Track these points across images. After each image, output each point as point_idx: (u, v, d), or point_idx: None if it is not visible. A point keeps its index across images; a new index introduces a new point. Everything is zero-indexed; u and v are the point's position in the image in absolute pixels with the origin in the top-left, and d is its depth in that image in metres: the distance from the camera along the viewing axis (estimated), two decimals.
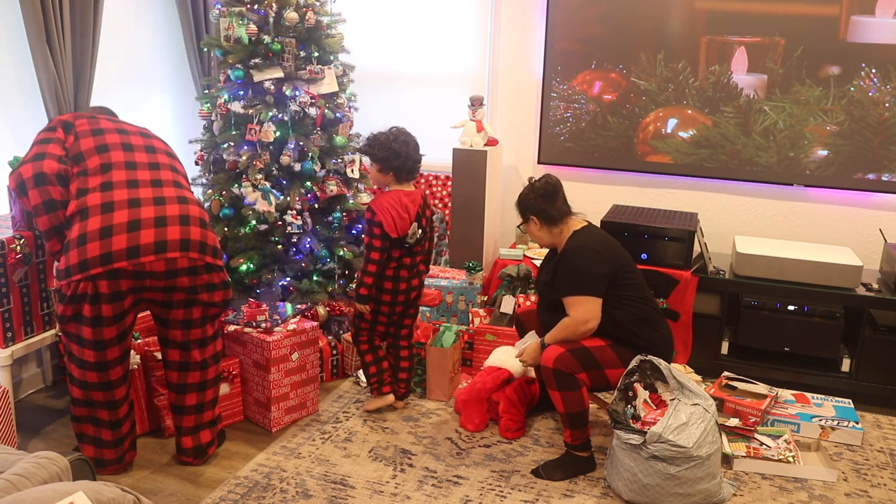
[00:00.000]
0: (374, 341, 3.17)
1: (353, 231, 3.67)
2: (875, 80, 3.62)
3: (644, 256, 3.64)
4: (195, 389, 2.73)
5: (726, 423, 2.98)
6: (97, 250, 2.39)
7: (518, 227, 2.98)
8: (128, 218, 2.43)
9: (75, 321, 2.48)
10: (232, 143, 3.40)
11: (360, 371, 3.46)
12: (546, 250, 4.03)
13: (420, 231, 3.00)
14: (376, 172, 2.96)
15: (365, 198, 3.69)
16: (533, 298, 3.68)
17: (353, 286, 3.11)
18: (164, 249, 2.45)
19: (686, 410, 2.54)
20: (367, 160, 3.06)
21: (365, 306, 3.03)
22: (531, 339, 2.87)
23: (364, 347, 3.16)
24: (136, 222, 2.43)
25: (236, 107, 3.38)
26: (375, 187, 3.20)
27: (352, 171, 3.58)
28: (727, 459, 2.85)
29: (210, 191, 3.53)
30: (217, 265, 2.62)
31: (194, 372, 2.71)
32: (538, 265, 3.28)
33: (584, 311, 2.69)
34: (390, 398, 3.20)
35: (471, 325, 3.68)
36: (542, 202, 2.82)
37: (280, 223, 3.43)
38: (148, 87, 4.02)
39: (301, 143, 3.40)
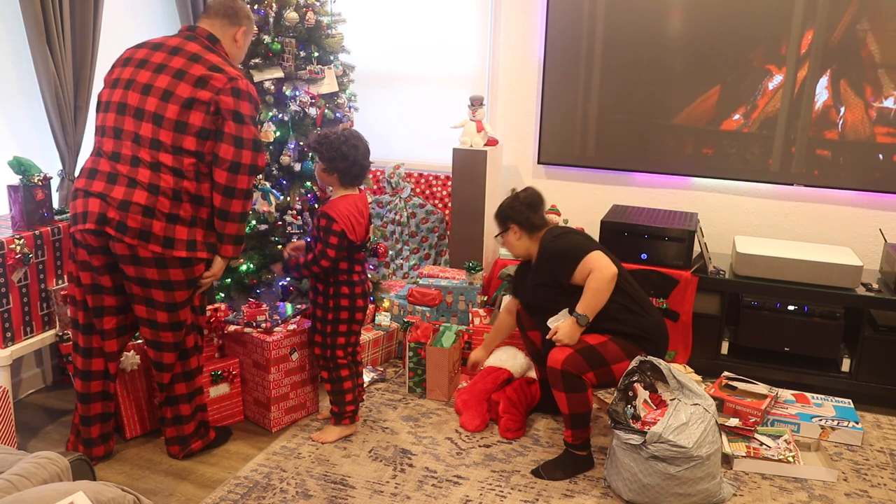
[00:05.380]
0: (352, 364, 2.99)
1: None
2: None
3: (644, 256, 3.64)
4: (161, 370, 2.73)
5: (726, 423, 2.98)
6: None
7: (495, 237, 3.02)
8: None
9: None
10: None
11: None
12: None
13: (369, 236, 2.93)
14: (321, 171, 2.84)
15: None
16: None
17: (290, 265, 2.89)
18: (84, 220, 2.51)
19: (686, 410, 2.54)
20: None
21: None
22: (563, 316, 2.77)
23: (345, 373, 2.94)
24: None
25: None
26: (328, 189, 2.99)
27: None
28: (727, 459, 2.85)
29: None
30: (127, 242, 2.47)
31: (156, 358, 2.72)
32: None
33: (598, 261, 2.72)
34: (356, 427, 3.06)
35: (470, 325, 3.68)
36: (527, 211, 2.91)
37: (280, 223, 3.43)
38: None
39: (301, 143, 3.40)
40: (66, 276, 2.92)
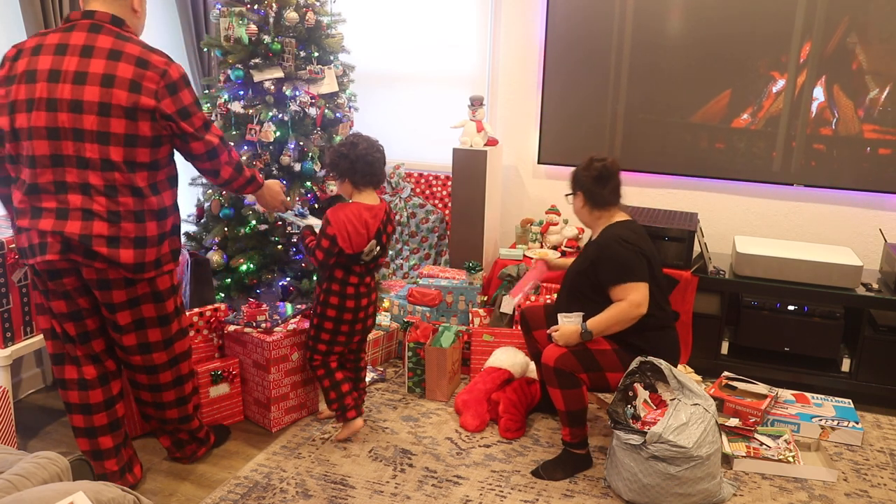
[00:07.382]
0: (329, 364, 2.94)
1: None
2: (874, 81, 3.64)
3: None
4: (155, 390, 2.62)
5: (726, 423, 2.98)
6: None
7: (566, 195, 2.91)
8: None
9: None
10: (232, 143, 3.40)
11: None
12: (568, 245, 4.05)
13: (378, 248, 2.82)
14: (339, 185, 2.82)
15: None
16: (533, 298, 3.68)
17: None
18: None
19: (686, 410, 2.54)
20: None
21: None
22: (575, 318, 2.72)
23: (320, 373, 2.93)
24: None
25: (236, 107, 3.38)
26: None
27: None
28: (727, 459, 2.85)
29: (210, 191, 3.53)
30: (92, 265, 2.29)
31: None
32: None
33: (637, 296, 2.63)
34: (358, 423, 2.99)
35: (470, 325, 3.68)
36: (592, 183, 2.77)
37: (280, 223, 3.43)
38: None
39: (301, 143, 3.40)
40: (34, 309, 2.69)
